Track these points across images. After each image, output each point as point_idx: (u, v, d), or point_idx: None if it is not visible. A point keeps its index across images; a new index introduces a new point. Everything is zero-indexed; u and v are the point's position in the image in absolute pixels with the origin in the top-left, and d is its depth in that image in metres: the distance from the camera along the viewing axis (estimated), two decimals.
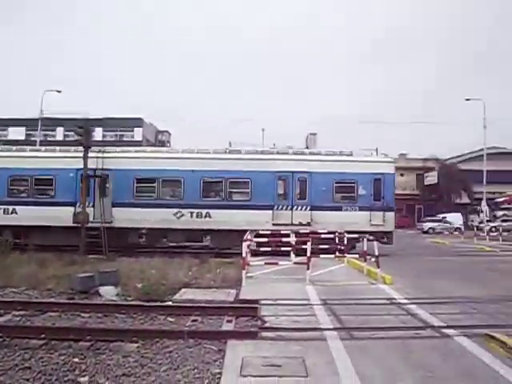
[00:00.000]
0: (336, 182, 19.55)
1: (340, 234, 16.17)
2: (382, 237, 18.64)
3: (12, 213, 19.25)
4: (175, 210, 19.05)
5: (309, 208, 19.34)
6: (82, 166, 17.43)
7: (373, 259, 12.61)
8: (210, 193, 19.76)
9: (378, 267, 12.11)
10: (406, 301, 9.34)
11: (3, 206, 19.35)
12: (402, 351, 5.99)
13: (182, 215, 19.03)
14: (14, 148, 21.32)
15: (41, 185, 19.56)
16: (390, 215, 19.63)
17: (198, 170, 19.25)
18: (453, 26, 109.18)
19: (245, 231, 15.61)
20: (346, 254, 15.30)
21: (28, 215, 18.89)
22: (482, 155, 41.55)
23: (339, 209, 19.40)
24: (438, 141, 67.03)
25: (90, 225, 17.53)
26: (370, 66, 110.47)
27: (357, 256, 14.38)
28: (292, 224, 18.84)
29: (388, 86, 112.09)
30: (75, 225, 17.67)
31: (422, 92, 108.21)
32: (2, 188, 19.47)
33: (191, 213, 19.05)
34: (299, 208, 19.46)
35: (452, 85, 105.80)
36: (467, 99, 41.47)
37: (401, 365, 5.48)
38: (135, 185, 19.30)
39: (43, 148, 22.80)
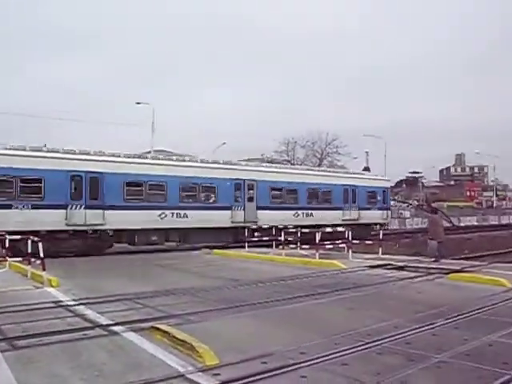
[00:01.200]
0: (367, 192, 31.72)
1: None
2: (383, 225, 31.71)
3: (183, 216, 22.86)
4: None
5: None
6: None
7: (38, 261, 12.36)
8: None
9: (44, 270, 11.97)
10: (73, 302, 9.53)
11: (175, 211, 22.63)
12: (71, 354, 6.09)
13: None
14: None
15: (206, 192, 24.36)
16: (390, 212, 35.54)
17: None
18: None
19: None
20: (7, 258, 14.56)
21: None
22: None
23: (369, 209, 31.41)
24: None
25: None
26: None
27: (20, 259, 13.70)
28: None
29: None
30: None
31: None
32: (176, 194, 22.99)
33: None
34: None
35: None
36: (137, 103, 44.75)
37: (69, 368, 5.57)
38: None
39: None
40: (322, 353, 5.93)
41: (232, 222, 24.73)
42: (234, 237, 24.48)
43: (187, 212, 23.01)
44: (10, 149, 19.39)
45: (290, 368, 5.45)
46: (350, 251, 17.99)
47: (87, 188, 20.25)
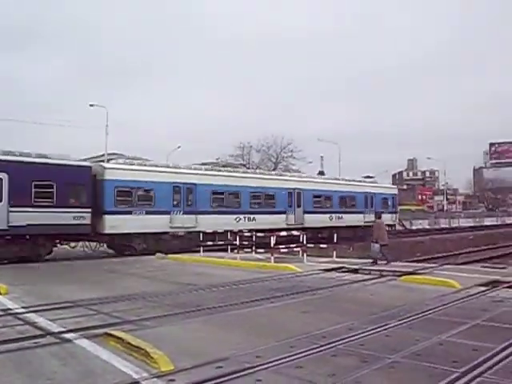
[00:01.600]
0: (382, 198, 37.83)
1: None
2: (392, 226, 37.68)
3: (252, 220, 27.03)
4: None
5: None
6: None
7: None
8: None
9: None
10: (23, 310, 9.30)
11: (247, 215, 26.99)
12: (21, 363, 5.98)
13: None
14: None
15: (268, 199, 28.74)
16: (397, 215, 40.57)
17: None
18: None
19: None
20: None
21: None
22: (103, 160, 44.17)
23: (357, 212, 35.04)
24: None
25: None
26: None
27: None
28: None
29: None
30: None
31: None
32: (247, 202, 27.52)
33: None
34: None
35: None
36: (91, 105, 44.07)
37: (18, 378, 5.46)
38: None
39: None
40: (277, 356, 5.98)
41: (286, 224, 28.43)
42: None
43: (255, 216, 27.33)
44: (133, 164, 24.60)
45: (245, 372, 5.48)
46: (305, 255, 18.19)
47: (184, 197, 24.57)
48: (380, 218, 19.97)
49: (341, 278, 13.87)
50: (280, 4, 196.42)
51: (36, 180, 19.72)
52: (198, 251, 21.42)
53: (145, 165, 25.68)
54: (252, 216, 27.42)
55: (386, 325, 7.64)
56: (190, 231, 24.02)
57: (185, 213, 24.36)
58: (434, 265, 16.69)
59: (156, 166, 25.79)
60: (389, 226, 34.37)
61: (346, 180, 37.71)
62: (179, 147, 53.71)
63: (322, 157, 75.97)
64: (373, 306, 9.35)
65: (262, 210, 28.10)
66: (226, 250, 21.69)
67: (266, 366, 5.68)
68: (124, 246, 22.65)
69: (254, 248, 20.38)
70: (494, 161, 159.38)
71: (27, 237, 19.39)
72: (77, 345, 6.80)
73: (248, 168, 54.51)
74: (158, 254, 21.38)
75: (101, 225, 21.39)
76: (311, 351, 6.25)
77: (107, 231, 21.46)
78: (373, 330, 7.36)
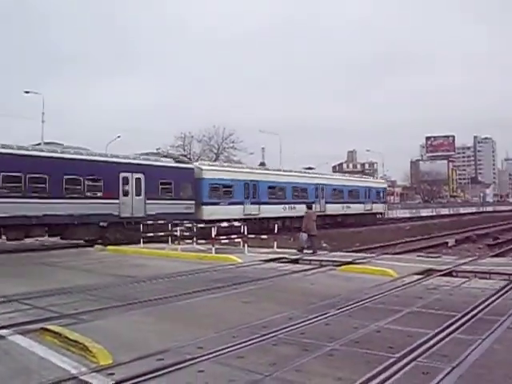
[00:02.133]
0: (376, 191, 46.69)
1: None
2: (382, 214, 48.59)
3: (293, 209, 33.46)
4: None
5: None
6: None
7: None
8: None
9: None
10: None
11: (290, 205, 34.35)
12: None
13: None
14: None
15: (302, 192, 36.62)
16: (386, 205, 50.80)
17: None
18: None
19: None
20: None
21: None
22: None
23: (376, 202, 45.92)
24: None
25: None
26: None
27: None
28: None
29: None
30: None
31: None
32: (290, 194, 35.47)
33: None
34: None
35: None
36: (26, 92, 42.37)
37: None
38: None
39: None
40: (218, 347, 6.01)
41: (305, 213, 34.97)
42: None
43: (295, 206, 33.40)
44: (220, 166, 34.15)
45: (186, 363, 5.48)
46: (246, 246, 18.30)
47: (251, 191, 32.04)
48: (310, 208, 20.11)
49: (281, 268, 14.05)
50: None
51: (162, 179, 26.07)
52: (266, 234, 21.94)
53: (227, 166, 35.57)
54: (293, 206, 34.17)
55: (326, 314, 7.81)
56: (255, 218, 31.22)
57: (252, 203, 31.90)
58: (372, 254, 17.17)
59: (233, 167, 36.35)
60: (379, 213, 47.28)
61: (355, 177, 50.04)
62: (119, 137, 52.73)
63: (263, 148, 76.62)
64: (313, 296, 9.53)
65: (299, 200, 33.67)
66: (166, 242, 21.50)
67: (207, 356, 5.70)
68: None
69: (195, 239, 20.33)
70: (429, 154, 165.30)
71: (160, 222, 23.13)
72: (10, 341, 6.57)
73: (190, 159, 54.12)
74: (97, 246, 20.98)
75: (200, 213, 27.82)
76: (252, 341, 6.32)
77: (205, 218, 27.07)
78: (313, 319, 7.51)
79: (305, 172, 44.41)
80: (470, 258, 15.78)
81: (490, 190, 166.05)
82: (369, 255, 16.77)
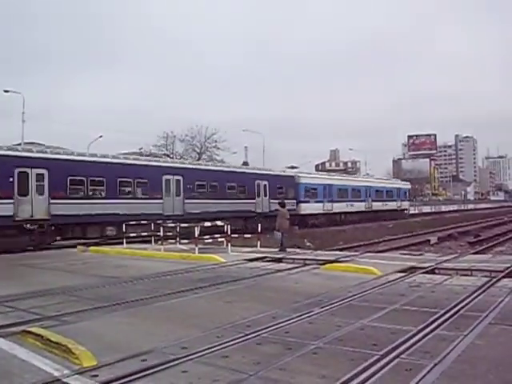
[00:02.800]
0: (404, 191, 58.60)
1: None
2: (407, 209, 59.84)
3: (352, 206, 46.01)
4: None
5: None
6: None
7: None
8: None
9: None
10: None
11: (350, 203, 45.83)
12: None
13: None
14: None
15: (357, 192, 47.88)
16: (409, 203, 63.24)
17: None
18: None
19: None
20: None
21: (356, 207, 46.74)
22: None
23: (403, 200, 57.29)
24: None
25: None
26: None
27: None
28: None
29: None
30: None
31: None
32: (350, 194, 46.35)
33: None
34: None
35: None
36: (6, 91, 41.65)
37: None
38: None
39: None
40: (202, 347, 6.00)
41: (365, 208, 48.27)
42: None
43: (353, 203, 45.78)
44: (308, 173, 47.66)
45: (170, 364, 5.47)
46: (229, 245, 18.28)
47: (328, 192, 42.41)
48: (283, 207, 20.14)
49: (265, 267, 14.06)
50: None
51: (277, 184, 35.99)
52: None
53: (313, 173, 51.16)
54: (352, 203, 45.65)
55: (310, 312, 7.84)
56: (330, 213, 42.21)
57: (327, 202, 42.05)
58: (355, 253, 17.27)
59: (317, 174, 53.62)
60: (405, 209, 57.81)
61: (389, 181, 64.82)
62: (101, 137, 52.34)
63: (246, 147, 76.67)
64: (296, 295, 9.56)
65: (355, 199, 46.48)
66: (149, 242, 21.41)
67: (191, 356, 5.69)
68: (306, 221, 38.08)
69: (178, 239, 20.26)
70: (412, 152, 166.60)
71: None
72: None
73: (172, 158, 53.92)
74: (79, 247, 20.79)
75: (298, 209, 37.27)
76: (236, 340, 6.32)
77: (301, 212, 37.95)
78: (297, 317, 7.53)
79: (359, 178, 61.38)
80: (452, 256, 15.96)
81: (471, 188, 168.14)
82: (352, 253, 16.86)
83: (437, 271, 12.39)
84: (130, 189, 25.56)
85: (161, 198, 26.85)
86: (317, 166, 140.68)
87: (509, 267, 11.92)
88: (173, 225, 21.27)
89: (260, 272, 13.04)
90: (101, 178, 24.19)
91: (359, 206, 47.15)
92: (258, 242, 19.40)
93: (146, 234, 22.21)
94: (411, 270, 12.44)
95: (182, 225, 20.54)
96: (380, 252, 18.45)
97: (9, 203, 20.45)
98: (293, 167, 53.42)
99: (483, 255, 16.86)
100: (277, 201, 24.70)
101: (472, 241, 24.32)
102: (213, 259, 15.83)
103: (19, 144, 38.73)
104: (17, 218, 20.65)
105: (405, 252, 18.04)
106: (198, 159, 57.87)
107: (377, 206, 49.77)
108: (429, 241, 24.47)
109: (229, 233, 18.80)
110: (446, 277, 11.51)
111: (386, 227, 36.39)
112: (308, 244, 22.84)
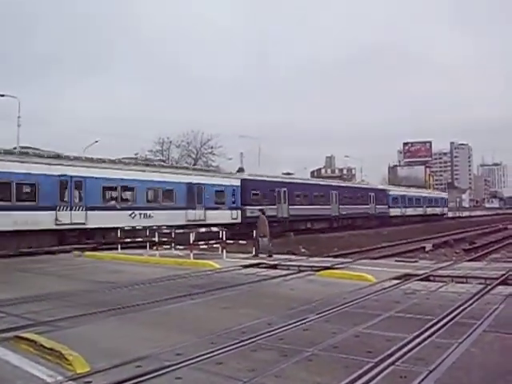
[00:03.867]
0: (434, 199, 75.54)
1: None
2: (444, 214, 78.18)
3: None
4: None
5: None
6: None
7: None
8: None
9: None
10: None
11: (404, 210, 60.72)
12: None
13: None
14: None
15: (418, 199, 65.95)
16: (447, 208, 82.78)
17: None
18: None
19: None
20: None
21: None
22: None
23: (438, 207, 75.05)
24: None
25: None
26: None
27: None
28: None
29: None
30: None
31: None
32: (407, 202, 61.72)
33: None
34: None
35: None
36: (1, 95, 41.50)
37: None
38: None
39: None
40: (197, 353, 5.97)
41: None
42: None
43: (416, 209, 61.18)
44: (395, 186, 73.03)
45: (165, 370, 5.43)
46: (225, 251, 18.25)
47: (400, 200, 58.86)
48: (264, 214, 20.47)
49: (260, 273, 14.04)
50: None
51: (379, 194, 52.96)
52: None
53: (395, 186, 73.45)
54: (415, 209, 62.20)
55: (305, 319, 7.82)
56: (404, 215, 58.07)
57: (403, 207, 58.63)
58: (350, 259, 17.27)
59: (398, 186, 73.11)
60: (444, 214, 75.71)
61: (434, 192, 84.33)
62: (97, 141, 52.18)
63: (241, 153, 76.59)
64: (292, 301, 9.53)
65: (417, 206, 63.40)
66: (145, 247, 21.36)
67: (186, 363, 5.66)
68: (392, 220, 54.34)
69: (173, 245, 20.22)
70: (407, 159, 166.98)
71: None
72: None
73: (167, 163, 53.83)
74: (75, 252, 20.75)
75: (388, 212, 54.01)
76: (231, 347, 6.29)
77: (390, 214, 55.22)
78: (292, 324, 7.51)
79: (419, 190, 75.60)
80: (447, 263, 15.97)
81: (466, 196, 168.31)
82: (347, 260, 16.85)
83: (432, 278, 12.38)
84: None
85: (274, 204, 37.04)
86: (312, 172, 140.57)
87: (504, 274, 11.93)
88: (168, 231, 21.21)
89: (255, 278, 13.02)
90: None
91: (419, 211, 63.72)
92: (254, 249, 19.37)
93: (141, 239, 22.20)
94: (406, 277, 12.43)
95: (178, 231, 20.49)
96: (375, 259, 18.47)
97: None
98: (288, 173, 53.31)
99: (478, 262, 16.90)
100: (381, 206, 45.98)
101: (467, 248, 24.40)
102: (208, 265, 15.79)
103: (15, 148, 38.65)
104: None
105: (400, 259, 18.03)
106: (194, 165, 57.80)
107: (429, 210, 67.97)
108: (424, 248, 24.50)
109: (224, 239, 18.77)
110: (440, 284, 11.50)
111: (382, 234, 36.42)
112: (303, 250, 22.87)
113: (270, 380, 5.15)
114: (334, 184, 49.57)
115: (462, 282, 11.71)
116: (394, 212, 56.34)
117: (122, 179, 26.54)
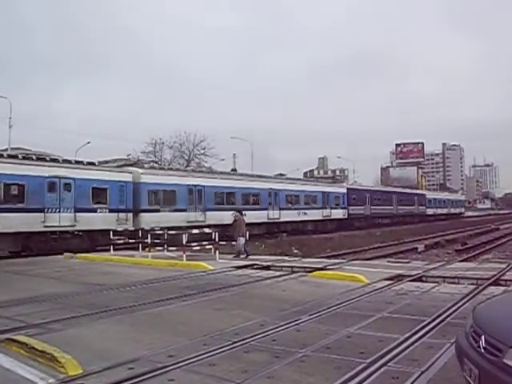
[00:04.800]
0: (455, 201, 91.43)
1: None
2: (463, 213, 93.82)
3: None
4: None
5: None
6: None
7: None
8: None
9: None
10: None
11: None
12: None
13: None
14: None
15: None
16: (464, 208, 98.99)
17: None
18: None
19: None
20: None
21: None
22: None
23: (458, 207, 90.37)
24: None
25: None
26: None
27: None
28: None
29: None
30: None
31: None
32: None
33: None
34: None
35: None
36: None
37: None
38: None
39: None
40: (190, 355, 5.98)
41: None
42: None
43: (444, 209, 76.11)
44: (431, 191, 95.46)
45: (157, 372, 5.44)
46: (217, 252, 18.24)
47: (434, 202, 73.24)
48: (242, 214, 20.48)
49: (253, 274, 14.04)
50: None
51: (420, 198, 68.56)
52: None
53: (431, 191, 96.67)
54: (442, 209, 73.92)
55: (297, 320, 7.84)
56: (435, 214, 70.57)
57: (434, 207, 70.94)
58: (343, 260, 17.32)
59: (433, 192, 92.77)
60: (462, 213, 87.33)
61: (454, 195, 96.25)
62: (88, 143, 52.04)
63: (234, 154, 76.73)
64: (284, 302, 9.55)
65: (443, 207, 75.04)
66: (137, 249, 21.30)
67: (178, 365, 5.66)
68: (428, 218, 67.33)
69: (165, 246, 20.18)
70: (399, 160, 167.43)
71: None
72: None
73: (160, 165, 53.71)
74: (66, 254, 20.63)
75: (425, 211, 67.91)
76: (224, 348, 6.30)
77: (427, 213, 68.31)
78: (284, 325, 7.52)
79: (445, 193, 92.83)
80: (439, 263, 16.04)
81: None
82: (340, 261, 16.89)
83: (424, 279, 12.44)
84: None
85: (363, 205, 51.23)
86: (305, 173, 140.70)
87: (495, 275, 12.01)
88: (160, 232, 21.16)
89: (248, 279, 13.02)
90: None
91: (445, 210, 76.46)
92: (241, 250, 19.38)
93: (133, 240, 22.15)
94: (398, 277, 12.47)
95: (170, 232, 20.44)
96: (367, 260, 18.52)
97: None
98: (281, 174, 53.38)
99: (470, 263, 16.97)
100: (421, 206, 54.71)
101: (459, 248, 24.49)
102: (201, 266, 15.78)
103: (6, 149, 38.46)
104: None
105: (392, 260, 18.08)
106: (187, 166, 57.72)
107: (452, 210, 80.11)
108: (416, 248, 24.58)
109: (217, 240, 18.76)
110: (433, 284, 11.55)
111: (375, 235, 36.51)
112: (296, 251, 22.87)
113: (262, 381, 5.17)
114: (394, 190, 65.98)
115: (454, 283, 11.76)
116: (429, 211, 69.53)
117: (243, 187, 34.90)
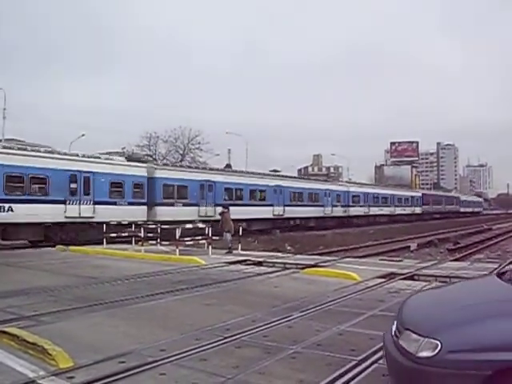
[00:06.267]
0: (474, 202, 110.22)
1: None
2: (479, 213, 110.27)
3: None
4: None
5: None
6: None
7: None
8: None
9: None
10: None
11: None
12: None
13: None
14: None
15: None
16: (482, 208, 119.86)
17: None
18: None
19: None
20: None
21: None
22: None
23: (476, 206, 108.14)
24: None
25: None
26: None
27: None
28: None
29: None
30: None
31: None
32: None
33: None
34: None
35: None
36: None
37: None
38: None
39: None
40: (181, 349, 6.00)
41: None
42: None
43: (466, 208, 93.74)
44: (458, 193, 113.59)
45: (148, 366, 5.45)
46: (210, 247, 18.25)
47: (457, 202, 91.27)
48: (228, 210, 20.58)
49: (245, 270, 14.07)
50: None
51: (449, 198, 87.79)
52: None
53: (457, 192, 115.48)
54: (465, 208, 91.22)
55: (289, 316, 7.87)
56: (458, 211, 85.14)
57: (460, 207, 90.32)
58: (335, 258, 17.35)
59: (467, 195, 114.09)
60: (479, 211, 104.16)
61: (474, 197, 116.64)
62: (83, 135, 51.91)
63: (229, 150, 76.78)
64: (276, 298, 9.57)
65: (466, 206, 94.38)
66: (130, 242, 21.27)
67: (169, 359, 5.67)
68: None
69: (159, 240, 20.17)
70: (394, 159, 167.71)
71: None
72: None
73: (155, 159, 53.64)
74: (59, 246, 20.61)
75: (458, 209, 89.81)
76: (215, 343, 6.32)
77: (461, 211, 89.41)
78: (276, 321, 7.55)
79: (467, 194, 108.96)
80: (431, 262, 16.11)
81: None
82: (332, 258, 16.93)
83: (416, 277, 12.49)
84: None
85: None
86: (299, 170, 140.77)
87: (486, 275, 12.05)
88: (154, 226, 21.15)
89: (240, 275, 13.04)
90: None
91: (470, 209, 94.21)
92: (239, 245, 19.39)
93: (126, 234, 22.13)
94: (391, 275, 12.52)
95: (163, 226, 20.44)
96: (360, 257, 18.53)
97: None
98: (275, 171, 53.43)
99: (462, 262, 17.03)
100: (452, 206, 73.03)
101: (451, 248, 24.56)
102: (193, 261, 15.78)
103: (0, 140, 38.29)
104: None
105: (385, 258, 18.12)
106: (181, 160, 57.68)
107: (475, 210, 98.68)
108: (409, 247, 24.65)
109: (210, 235, 18.77)
110: (424, 283, 11.60)
111: (368, 233, 36.58)
112: (288, 248, 22.89)
113: (253, 377, 5.18)
114: (429, 193, 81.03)
115: (446, 282, 11.81)
116: (464, 209, 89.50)
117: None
